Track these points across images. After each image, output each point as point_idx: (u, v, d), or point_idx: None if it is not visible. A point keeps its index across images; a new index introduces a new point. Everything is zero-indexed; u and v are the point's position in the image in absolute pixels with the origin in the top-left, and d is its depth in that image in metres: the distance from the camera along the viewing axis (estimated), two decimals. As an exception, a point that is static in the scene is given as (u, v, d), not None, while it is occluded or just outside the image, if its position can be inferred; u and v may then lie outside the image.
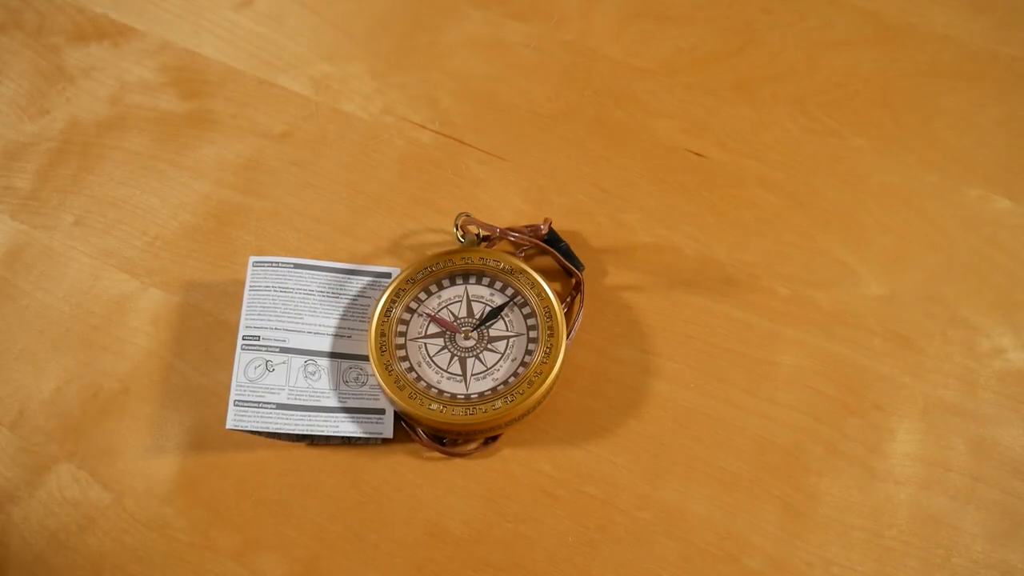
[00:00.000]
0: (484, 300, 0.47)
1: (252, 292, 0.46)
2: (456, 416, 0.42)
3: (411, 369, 0.44)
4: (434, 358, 0.45)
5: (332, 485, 0.43)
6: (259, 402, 0.43)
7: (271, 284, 0.47)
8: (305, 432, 0.43)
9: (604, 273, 0.49)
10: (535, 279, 0.46)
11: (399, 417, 0.44)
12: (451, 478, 0.43)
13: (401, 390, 0.43)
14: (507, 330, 0.46)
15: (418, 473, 0.43)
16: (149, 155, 0.55)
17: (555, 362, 0.43)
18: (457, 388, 0.44)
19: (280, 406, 0.43)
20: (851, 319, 0.47)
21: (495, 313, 0.46)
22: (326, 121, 0.56)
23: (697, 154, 0.54)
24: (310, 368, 0.44)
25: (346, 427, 0.43)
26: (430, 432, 0.43)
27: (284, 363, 0.44)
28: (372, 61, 0.59)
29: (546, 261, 0.50)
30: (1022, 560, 0.40)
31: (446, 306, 0.46)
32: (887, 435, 0.44)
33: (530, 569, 0.41)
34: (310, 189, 0.53)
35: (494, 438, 0.44)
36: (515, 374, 0.44)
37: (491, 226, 0.48)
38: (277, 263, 0.47)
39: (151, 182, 0.54)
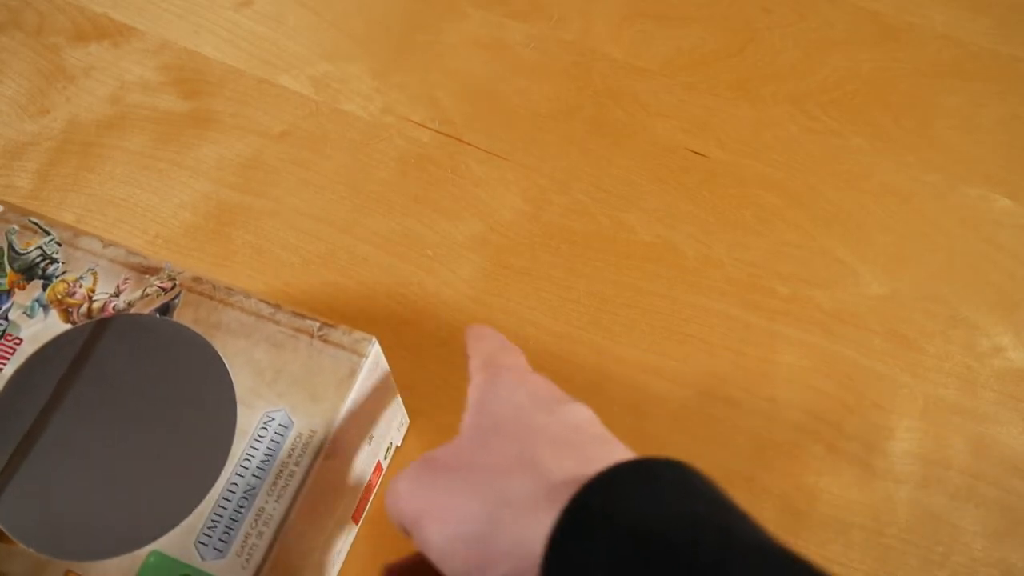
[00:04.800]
0: None
1: None
2: None
3: None
4: None
5: (332, 484, 0.43)
6: None
7: None
8: None
9: (604, 273, 0.49)
10: None
11: None
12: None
13: None
14: None
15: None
16: (149, 154, 0.55)
17: None
18: None
19: None
20: (851, 318, 0.47)
21: None
22: (326, 121, 0.56)
23: (697, 154, 0.54)
24: None
25: None
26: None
27: None
28: (372, 61, 0.59)
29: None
30: (1022, 558, 0.40)
31: None
32: (887, 434, 0.44)
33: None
34: (310, 188, 0.53)
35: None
36: None
37: None
38: None
39: (151, 181, 0.54)
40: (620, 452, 0.27)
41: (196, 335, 0.34)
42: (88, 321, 0.34)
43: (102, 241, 0.36)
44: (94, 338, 0.34)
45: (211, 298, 0.34)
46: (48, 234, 0.36)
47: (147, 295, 0.34)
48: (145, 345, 0.34)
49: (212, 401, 0.33)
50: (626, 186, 0.53)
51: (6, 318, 0.35)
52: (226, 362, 0.33)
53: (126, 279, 0.35)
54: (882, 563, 0.41)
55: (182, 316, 0.34)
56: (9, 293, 0.35)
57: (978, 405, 0.45)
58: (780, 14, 0.61)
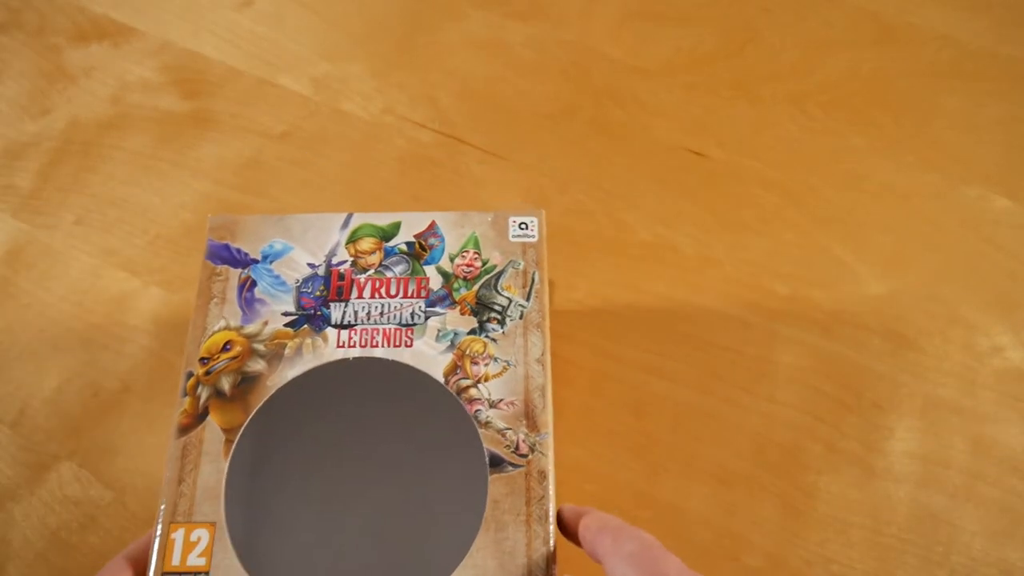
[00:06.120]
0: None
1: None
2: None
3: None
4: None
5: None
6: None
7: None
8: None
9: (604, 272, 0.49)
10: None
11: None
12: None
13: None
14: None
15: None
16: (150, 154, 0.55)
17: None
18: None
19: None
20: (850, 318, 0.48)
21: None
22: (326, 121, 0.56)
23: (697, 154, 0.54)
24: None
25: None
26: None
27: None
28: (372, 61, 0.59)
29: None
30: (1021, 558, 0.40)
31: None
32: (886, 433, 0.44)
33: (530, 567, 0.41)
34: (310, 188, 0.53)
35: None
36: None
37: None
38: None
39: (152, 181, 0.54)
40: None
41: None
42: (455, 394, 0.33)
43: (541, 362, 0.34)
44: (434, 399, 0.33)
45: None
46: (526, 303, 0.35)
47: (500, 432, 0.33)
48: (450, 435, 0.32)
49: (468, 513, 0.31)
50: (626, 186, 0.53)
51: (425, 318, 0.34)
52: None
53: (512, 402, 0.33)
54: (881, 562, 0.41)
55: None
56: (452, 304, 0.35)
57: (978, 405, 0.45)
58: (780, 14, 0.61)
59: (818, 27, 0.60)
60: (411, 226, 0.36)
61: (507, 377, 0.33)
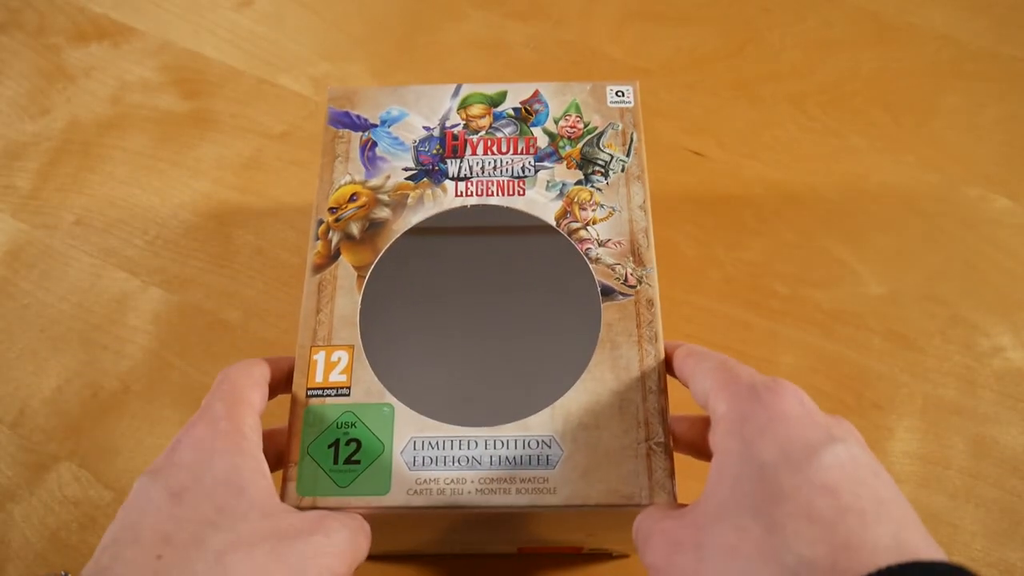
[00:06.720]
0: None
1: None
2: None
3: None
4: None
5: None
6: None
7: None
8: None
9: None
10: None
11: None
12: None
13: None
14: None
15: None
16: (149, 154, 0.55)
17: None
18: None
19: None
20: (851, 318, 0.48)
21: None
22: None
23: (697, 154, 0.54)
24: None
25: None
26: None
27: None
28: (372, 61, 0.59)
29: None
30: (1021, 558, 0.40)
31: None
32: (886, 433, 0.44)
33: (531, 573, 0.41)
34: (310, 188, 0.53)
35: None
36: None
37: None
38: None
39: (152, 181, 0.54)
40: (878, 527, 0.22)
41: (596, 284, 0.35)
42: (566, 235, 0.36)
43: (643, 208, 0.37)
44: (548, 240, 0.36)
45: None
46: (626, 158, 0.38)
47: (610, 266, 0.35)
48: (564, 269, 0.35)
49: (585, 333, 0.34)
50: (626, 186, 0.53)
51: (535, 171, 0.37)
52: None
53: (619, 242, 0.36)
54: (882, 563, 0.41)
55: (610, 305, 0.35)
56: (559, 160, 0.38)
57: (978, 405, 0.45)
58: (780, 14, 0.61)
59: (818, 27, 0.60)
60: (516, 94, 0.40)
61: (613, 221, 0.36)
